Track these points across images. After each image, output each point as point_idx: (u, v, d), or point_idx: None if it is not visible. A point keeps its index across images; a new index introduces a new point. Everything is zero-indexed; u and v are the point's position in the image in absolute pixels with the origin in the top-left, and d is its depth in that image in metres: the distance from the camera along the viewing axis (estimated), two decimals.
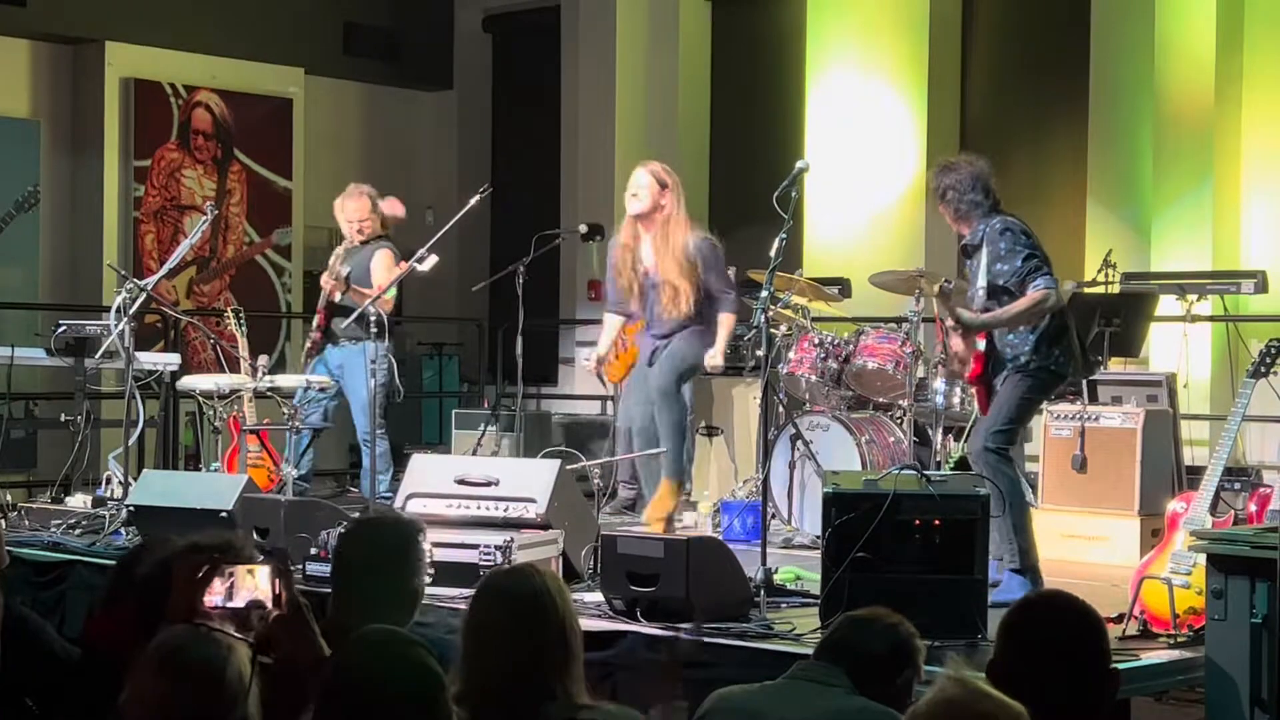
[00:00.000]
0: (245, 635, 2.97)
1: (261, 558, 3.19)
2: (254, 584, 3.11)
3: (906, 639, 3.59)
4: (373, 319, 7.39)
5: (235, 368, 8.75)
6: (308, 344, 8.71)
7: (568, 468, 6.71)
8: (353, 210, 8.65)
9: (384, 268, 8.45)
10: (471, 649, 3.24)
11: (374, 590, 3.83)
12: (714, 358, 7.66)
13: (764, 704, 3.49)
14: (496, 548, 5.97)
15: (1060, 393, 7.56)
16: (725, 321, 7.70)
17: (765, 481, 6.60)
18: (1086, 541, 7.45)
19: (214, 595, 3.07)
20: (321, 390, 8.46)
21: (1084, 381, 7.77)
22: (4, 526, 7.51)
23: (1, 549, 3.64)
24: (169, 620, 3.02)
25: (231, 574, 3.10)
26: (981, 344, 6.10)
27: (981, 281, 6.04)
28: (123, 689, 2.86)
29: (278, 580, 3.13)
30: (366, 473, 8.34)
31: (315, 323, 8.66)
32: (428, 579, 4.31)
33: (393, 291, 8.24)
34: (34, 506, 8.02)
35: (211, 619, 3.02)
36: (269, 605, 3.10)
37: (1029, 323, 6.02)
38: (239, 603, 3.08)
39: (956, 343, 6.25)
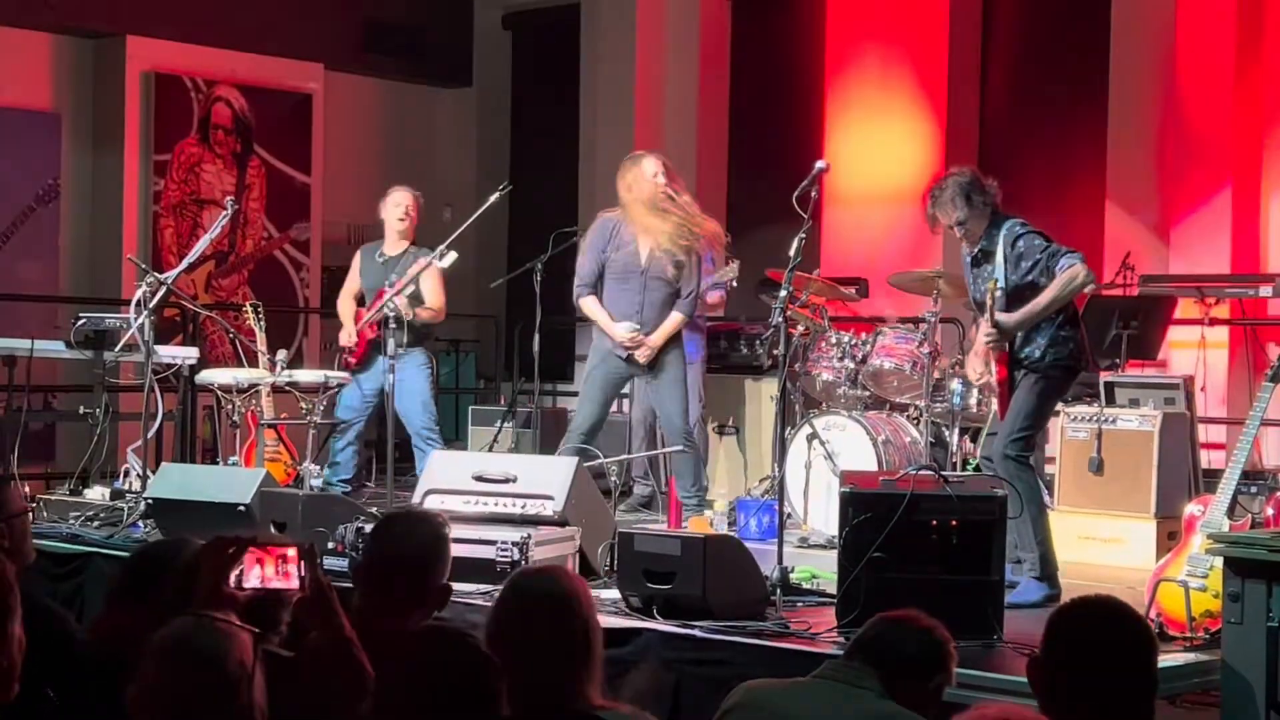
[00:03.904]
0: (265, 629, 3.00)
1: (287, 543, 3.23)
2: (279, 567, 3.14)
3: (941, 643, 3.57)
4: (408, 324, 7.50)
5: (254, 362, 8.76)
6: (351, 358, 8.52)
7: (584, 464, 6.72)
8: (402, 200, 8.52)
9: (434, 278, 8.33)
10: (493, 645, 3.26)
11: (402, 586, 3.80)
12: (631, 341, 7.72)
13: (791, 703, 3.46)
14: (514, 544, 5.97)
15: (1077, 394, 7.56)
16: (669, 318, 7.80)
17: (781, 480, 6.61)
18: (1102, 544, 7.44)
19: (238, 578, 3.11)
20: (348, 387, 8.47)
21: (1101, 384, 7.77)
22: (30, 520, 7.55)
23: (29, 544, 3.67)
24: (194, 606, 3.05)
25: (255, 557, 3.14)
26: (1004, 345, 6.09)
27: (1003, 285, 6.02)
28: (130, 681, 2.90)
29: (303, 563, 3.16)
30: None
31: (356, 337, 8.46)
32: None
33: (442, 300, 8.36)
34: (52, 498, 8.03)
35: (237, 604, 3.06)
36: (295, 588, 3.14)
37: (1065, 303, 5.98)
38: (262, 584, 3.12)
39: (976, 361, 6.21)
